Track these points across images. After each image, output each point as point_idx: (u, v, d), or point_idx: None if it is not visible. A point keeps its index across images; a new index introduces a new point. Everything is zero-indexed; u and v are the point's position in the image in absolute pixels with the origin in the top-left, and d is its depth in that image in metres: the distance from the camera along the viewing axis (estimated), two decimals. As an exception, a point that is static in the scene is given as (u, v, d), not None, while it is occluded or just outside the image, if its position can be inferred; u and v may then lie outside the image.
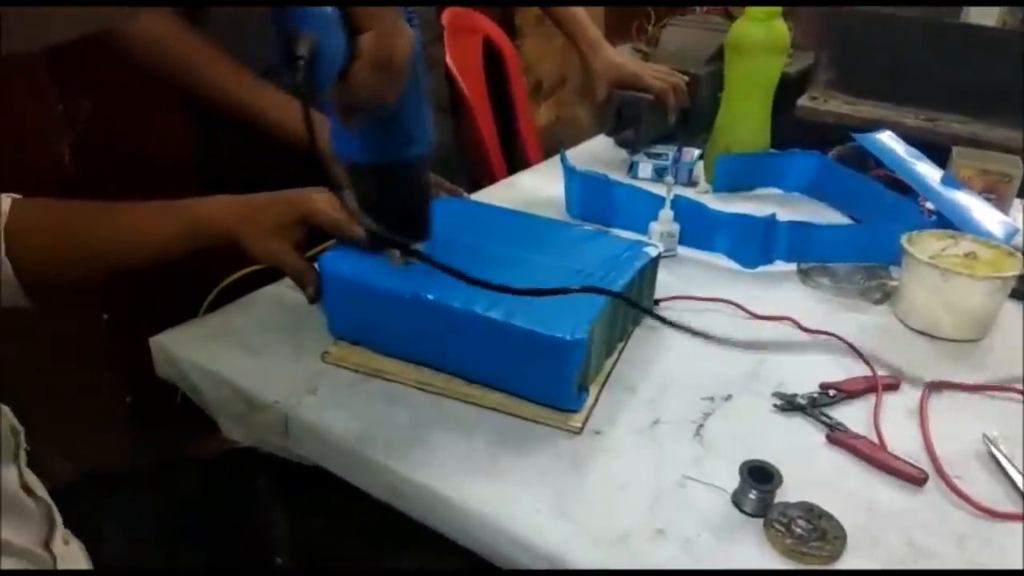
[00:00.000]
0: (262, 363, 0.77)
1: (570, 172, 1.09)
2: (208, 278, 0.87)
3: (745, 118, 1.19)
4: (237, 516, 0.87)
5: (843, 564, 0.58)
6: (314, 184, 0.97)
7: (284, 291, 0.89)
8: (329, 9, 0.54)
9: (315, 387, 0.74)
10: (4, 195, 0.72)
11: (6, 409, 0.63)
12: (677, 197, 0.99)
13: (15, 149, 1.03)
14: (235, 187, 1.14)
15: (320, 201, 0.77)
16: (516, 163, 1.83)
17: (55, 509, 0.66)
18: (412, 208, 0.72)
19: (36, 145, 1.23)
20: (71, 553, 0.66)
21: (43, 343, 1.32)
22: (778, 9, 1.12)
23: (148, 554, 0.84)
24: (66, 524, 0.73)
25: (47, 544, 0.63)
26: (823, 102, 2.09)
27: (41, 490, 0.64)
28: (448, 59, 1.47)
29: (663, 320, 0.82)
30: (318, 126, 0.99)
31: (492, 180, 1.63)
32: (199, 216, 0.76)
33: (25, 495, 0.61)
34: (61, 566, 0.62)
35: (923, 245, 0.88)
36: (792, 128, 1.32)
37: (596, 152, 1.35)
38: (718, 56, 1.35)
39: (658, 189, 1.01)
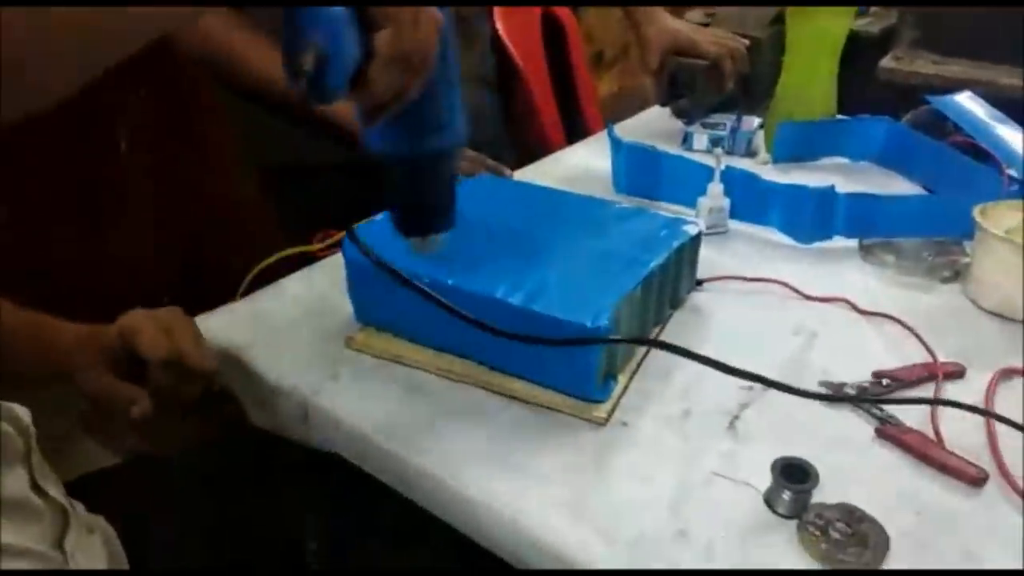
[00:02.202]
0: (286, 348, 0.76)
1: (616, 144, 1.04)
2: (244, 262, 0.87)
3: (809, 83, 1.11)
4: (269, 500, 0.87)
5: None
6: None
7: (313, 277, 0.88)
8: (339, 8, 0.49)
9: (337, 373, 0.73)
10: None
11: (17, 409, 0.64)
12: (728, 168, 0.93)
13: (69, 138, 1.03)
14: (280, 173, 1.14)
15: (139, 321, 0.71)
16: (578, 136, 1.77)
17: (71, 506, 0.66)
18: (438, 199, 0.67)
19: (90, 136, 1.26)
20: (90, 545, 0.67)
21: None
22: (842, -37, 1.03)
23: (189, 536, 0.84)
24: (108, 505, 0.74)
25: (60, 543, 0.63)
26: (908, 63, 1.96)
27: (55, 488, 0.64)
28: (502, 33, 1.43)
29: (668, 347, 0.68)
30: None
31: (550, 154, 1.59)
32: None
33: (35, 495, 0.61)
34: (72, 564, 0.62)
35: (998, 217, 0.79)
36: (874, 91, 1.23)
37: (651, 124, 1.29)
38: (781, 18, 1.27)
39: (712, 161, 0.95)
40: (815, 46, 1.09)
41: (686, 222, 0.78)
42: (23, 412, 0.65)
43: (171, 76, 1.09)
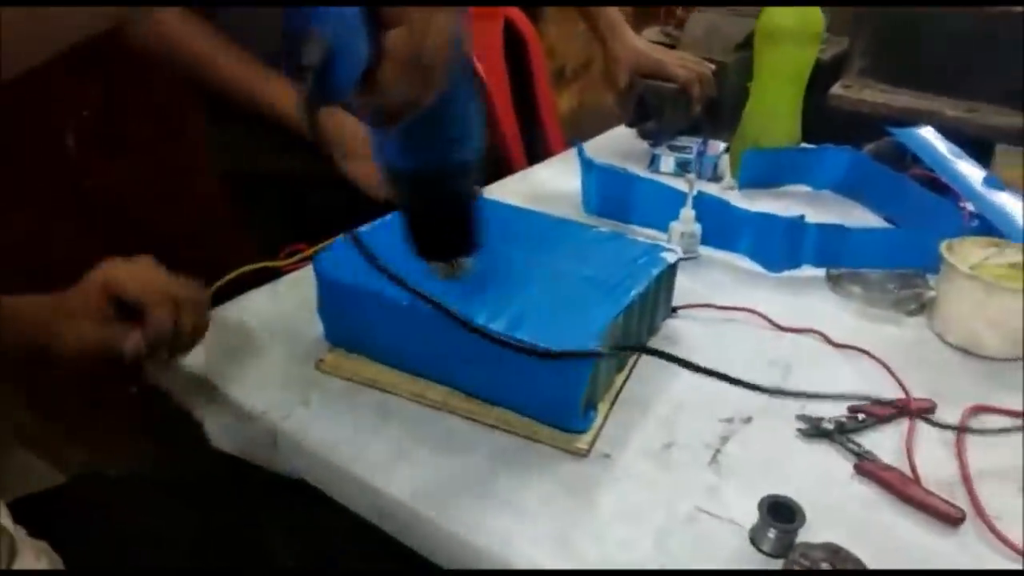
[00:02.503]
0: (254, 370, 0.73)
1: (587, 165, 1.03)
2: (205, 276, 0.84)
3: (775, 110, 1.12)
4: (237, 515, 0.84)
5: (870, 615, 0.52)
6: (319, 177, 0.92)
7: (280, 292, 0.85)
8: (349, 8, 0.46)
9: (307, 398, 0.70)
10: None
11: None
12: (700, 194, 0.93)
13: (15, 127, 0.99)
14: (249, 180, 1.10)
15: (120, 271, 0.70)
16: (537, 151, 1.77)
17: (15, 534, 0.62)
18: (458, 217, 0.63)
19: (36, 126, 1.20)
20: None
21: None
22: (812, -5, 1.05)
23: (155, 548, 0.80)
24: (70, 519, 0.70)
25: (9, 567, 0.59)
26: (857, 91, 2.01)
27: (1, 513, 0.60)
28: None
29: (666, 356, 0.70)
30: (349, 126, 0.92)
31: (511, 170, 1.58)
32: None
33: None
34: None
35: (964, 253, 0.81)
36: (823, 118, 1.25)
37: (616, 143, 1.29)
38: (747, 43, 1.29)
39: (680, 184, 0.95)
40: (782, 74, 1.11)
41: (664, 249, 0.78)
42: None
43: (127, 75, 1.04)
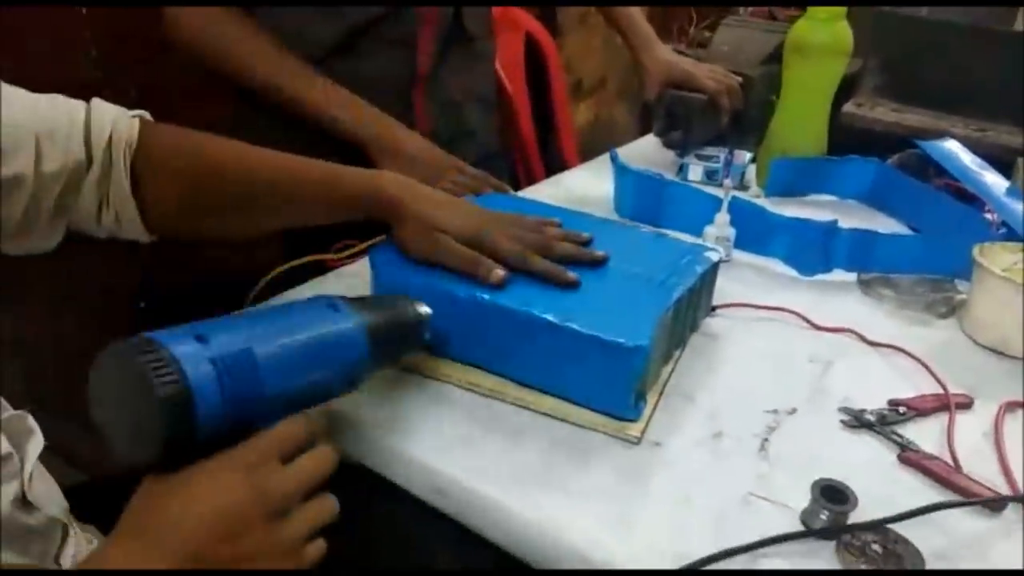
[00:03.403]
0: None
1: (622, 170, 1.06)
2: (243, 271, 0.86)
3: (803, 122, 1.15)
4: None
5: (923, 593, 0.54)
6: None
7: (328, 286, 0.87)
8: None
9: (362, 386, 0.72)
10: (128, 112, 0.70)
11: (19, 420, 0.61)
12: (734, 199, 0.96)
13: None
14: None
15: None
16: (553, 163, 1.80)
17: (69, 520, 0.63)
18: None
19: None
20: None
21: (71, 331, 1.31)
22: (842, 10, 1.08)
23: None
24: (104, 516, 0.72)
25: (57, 558, 0.61)
26: (870, 109, 2.04)
27: (50, 503, 0.61)
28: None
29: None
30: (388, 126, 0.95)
31: (531, 179, 1.61)
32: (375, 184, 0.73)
33: (23, 513, 0.58)
34: None
35: (995, 258, 0.84)
36: (837, 134, 1.28)
37: (643, 153, 1.31)
38: (772, 58, 1.32)
39: (709, 191, 0.98)
40: (810, 88, 1.14)
41: (707, 249, 0.81)
42: (27, 420, 0.63)
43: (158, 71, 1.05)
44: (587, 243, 0.77)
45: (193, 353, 0.45)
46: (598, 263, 0.74)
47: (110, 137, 0.68)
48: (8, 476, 0.58)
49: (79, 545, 0.66)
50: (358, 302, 0.60)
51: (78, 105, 0.68)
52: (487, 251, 0.71)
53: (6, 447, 0.58)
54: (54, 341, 1.29)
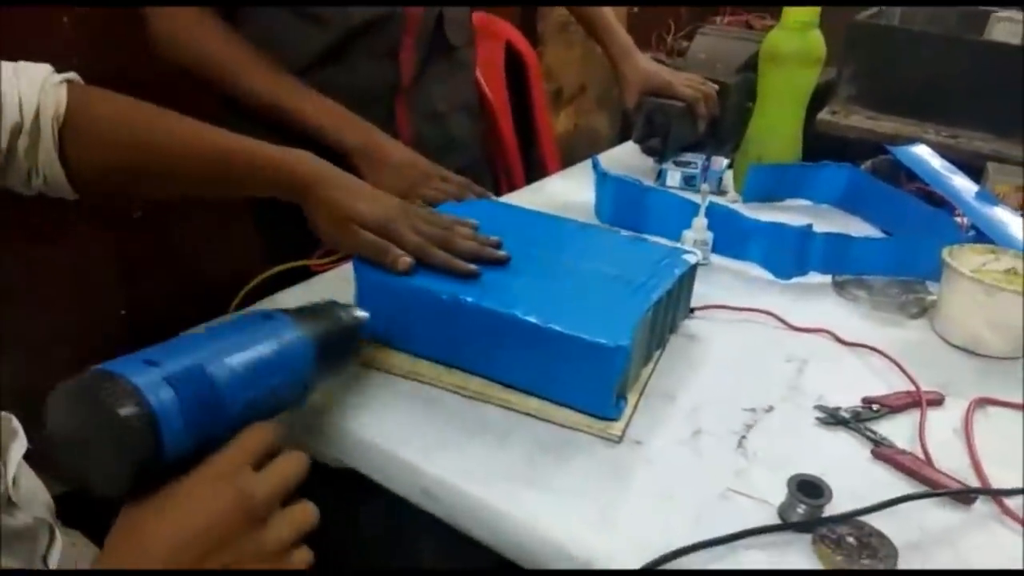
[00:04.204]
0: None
1: (602, 177, 1.08)
2: (226, 277, 0.86)
3: (778, 128, 1.18)
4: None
5: (896, 583, 0.56)
6: None
7: (313, 291, 0.88)
8: None
9: (347, 388, 0.73)
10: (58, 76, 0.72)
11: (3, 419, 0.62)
12: (711, 204, 0.98)
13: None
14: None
15: None
16: (534, 170, 1.82)
17: (54, 522, 0.64)
18: None
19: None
20: (78, 557, 0.65)
21: (55, 335, 1.31)
22: (814, 19, 1.11)
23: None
24: (89, 523, 0.72)
25: (45, 559, 0.61)
26: (844, 116, 2.08)
27: (36, 505, 0.62)
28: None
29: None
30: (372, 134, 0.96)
31: (512, 187, 1.63)
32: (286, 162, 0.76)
33: (6, 515, 0.59)
34: None
35: (964, 259, 0.86)
36: (812, 142, 1.30)
37: (622, 159, 1.33)
38: (748, 65, 1.35)
39: (687, 197, 1.00)
40: (784, 95, 1.16)
41: (685, 251, 0.82)
42: (11, 422, 0.63)
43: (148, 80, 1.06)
44: (497, 245, 0.78)
45: (148, 376, 0.46)
46: (500, 262, 0.76)
47: (37, 109, 0.69)
48: None
49: (67, 546, 0.66)
50: (296, 313, 0.61)
51: (9, 72, 0.69)
52: (393, 240, 0.74)
53: None
54: (33, 345, 1.28)
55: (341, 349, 0.65)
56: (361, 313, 0.68)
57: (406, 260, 0.72)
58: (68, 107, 0.71)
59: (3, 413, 0.63)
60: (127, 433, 0.44)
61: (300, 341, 0.58)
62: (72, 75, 0.74)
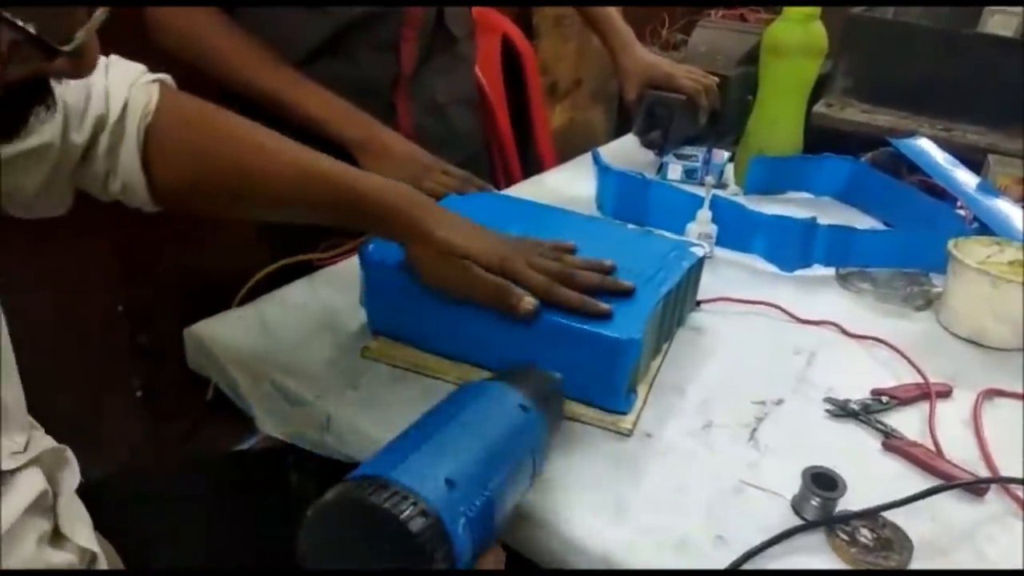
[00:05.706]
0: (301, 358, 0.75)
1: (604, 170, 1.07)
2: (229, 270, 0.85)
3: (779, 121, 1.17)
4: (269, 514, 0.85)
5: None
6: None
7: (317, 285, 0.87)
8: None
9: (356, 383, 0.72)
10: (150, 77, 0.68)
11: (56, 452, 0.60)
12: (714, 198, 0.97)
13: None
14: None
15: None
16: (530, 164, 1.81)
17: (98, 553, 0.62)
18: None
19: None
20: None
21: (55, 333, 1.30)
22: (816, 11, 1.10)
23: (178, 552, 0.80)
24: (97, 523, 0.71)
25: None
26: (839, 109, 2.08)
27: (81, 535, 0.59)
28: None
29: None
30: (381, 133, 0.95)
31: (510, 180, 1.62)
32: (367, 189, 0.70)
33: (51, 548, 0.57)
34: None
35: (969, 252, 0.86)
36: (808, 134, 1.30)
37: (621, 152, 1.33)
38: (748, 58, 1.34)
39: (693, 190, 1.00)
40: (785, 87, 1.16)
41: (692, 244, 0.82)
42: (65, 452, 0.62)
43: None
44: (611, 270, 0.73)
45: (449, 504, 0.46)
46: (627, 294, 0.70)
47: (125, 105, 0.66)
48: (45, 510, 0.57)
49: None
50: (528, 390, 0.59)
51: (100, 66, 0.64)
52: (513, 279, 0.68)
53: (41, 483, 0.57)
54: (30, 336, 1.27)
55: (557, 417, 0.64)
56: (557, 375, 0.65)
57: (530, 301, 0.67)
58: (158, 107, 0.67)
59: (58, 445, 0.62)
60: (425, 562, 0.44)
61: (542, 430, 0.58)
62: (165, 76, 0.70)
